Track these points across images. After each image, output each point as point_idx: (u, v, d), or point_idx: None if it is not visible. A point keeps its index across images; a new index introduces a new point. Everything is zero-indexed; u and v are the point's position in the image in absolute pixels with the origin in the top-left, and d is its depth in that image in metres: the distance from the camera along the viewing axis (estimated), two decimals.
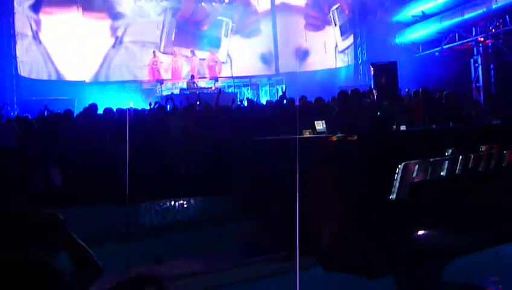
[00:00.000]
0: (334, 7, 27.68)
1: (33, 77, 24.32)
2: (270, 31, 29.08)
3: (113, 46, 27.33)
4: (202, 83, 25.75)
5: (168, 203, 12.11)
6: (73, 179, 12.72)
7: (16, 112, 21.61)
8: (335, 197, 7.80)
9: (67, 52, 25.60)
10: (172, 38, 28.08)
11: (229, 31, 28.34)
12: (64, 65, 25.59)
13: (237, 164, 10.32)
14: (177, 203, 12.11)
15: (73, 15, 26.19)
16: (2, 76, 22.32)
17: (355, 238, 7.52)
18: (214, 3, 28.27)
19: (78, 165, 12.88)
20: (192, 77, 24.89)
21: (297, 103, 14.71)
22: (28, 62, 24.40)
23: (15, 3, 23.43)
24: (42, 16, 25.31)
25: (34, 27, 24.98)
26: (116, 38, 27.42)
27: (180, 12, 28.15)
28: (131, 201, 11.60)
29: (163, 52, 27.78)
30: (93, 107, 14.26)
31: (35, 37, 25.03)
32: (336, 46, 27.97)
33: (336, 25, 27.88)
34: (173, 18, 28.16)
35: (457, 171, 8.25)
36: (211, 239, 10.51)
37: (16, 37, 23.35)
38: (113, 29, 27.42)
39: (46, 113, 14.99)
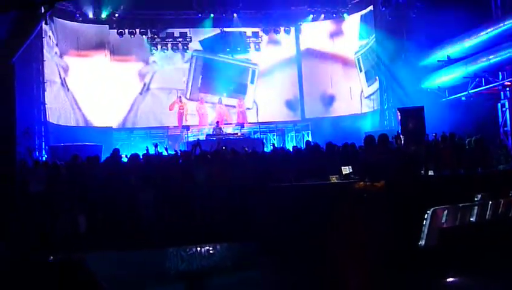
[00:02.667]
0: (359, 53, 27.75)
1: (61, 123, 24.60)
2: (296, 77, 29.21)
3: (140, 93, 27.64)
4: (228, 129, 25.86)
5: (194, 249, 12.05)
6: (99, 224, 12.75)
7: (44, 157, 21.83)
8: (364, 243, 7.70)
9: (95, 99, 25.96)
10: (199, 85, 28.29)
11: (255, 78, 28.51)
12: (91, 112, 25.90)
13: (264, 210, 10.27)
14: (203, 249, 12.04)
15: (101, 61, 26.63)
16: (31, 122, 22.58)
17: (385, 286, 7.40)
18: (238, 49, 28.51)
19: (105, 210, 12.93)
20: (218, 123, 24.99)
21: (323, 149, 14.68)
22: (57, 109, 24.70)
23: (44, 51, 23.83)
24: (70, 63, 25.71)
25: (62, 74, 25.34)
26: (144, 84, 27.76)
27: (206, 60, 28.45)
28: (157, 246, 11.61)
29: (190, 99, 28.01)
30: (115, 152, 14.38)
31: (63, 83, 25.38)
32: (362, 91, 27.95)
33: (361, 70, 27.91)
34: (199, 65, 28.45)
35: (487, 216, 8.12)
36: (236, 285, 10.41)
37: (45, 84, 23.68)
38: (141, 76, 27.77)
39: (73, 159, 15.10)
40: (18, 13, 7.91)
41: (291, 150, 18.17)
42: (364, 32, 27.38)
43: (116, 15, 26.21)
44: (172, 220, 12.41)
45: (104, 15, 26.22)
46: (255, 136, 25.91)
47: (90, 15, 26.11)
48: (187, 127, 26.30)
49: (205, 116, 27.22)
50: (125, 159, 15.38)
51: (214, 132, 24.56)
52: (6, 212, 8.78)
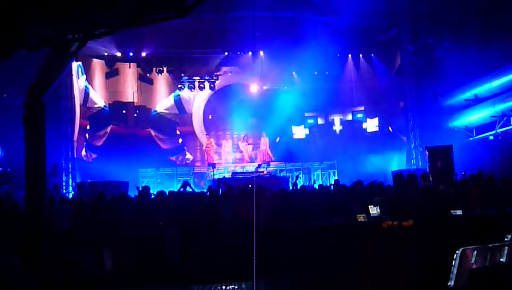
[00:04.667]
0: None
1: (89, 159, 24.89)
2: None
3: None
4: (254, 167, 25.89)
5: (219, 287, 11.96)
6: (125, 261, 12.73)
7: (71, 194, 22.04)
8: (392, 284, 7.60)
9: None
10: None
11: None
12: None
13: (290, 248, 10.20)
14: (229, 287, 11.94)
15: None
16: (59, 158, 22.86)
17: None
18: (264, 87, 28.72)
19: (131, 247, 12.91)
20: (243, 160, 25.08)
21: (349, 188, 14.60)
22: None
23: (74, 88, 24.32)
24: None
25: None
26: None
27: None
28: (183, 285, 11.55)
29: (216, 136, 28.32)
30: (145, 189, 14.42)
31: None
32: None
33: None
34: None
35: None
36: None
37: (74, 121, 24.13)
38: None
39: (99, 197, 15.18)
40: (49, 51, 8.04)
41: (317, 188, 18.11)
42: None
43: (144, 54, 26.58)
44: (198, 258, 12.36)
45: (131, 54, 26.60)
46: (281, 175, 25.86)
47: (118, 54, 26.50)
48: (213, 165, 26.36)
49: (231, 153, 27.47)
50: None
51: (240, 170, 24.68)
52: (35, 249, 8.80)
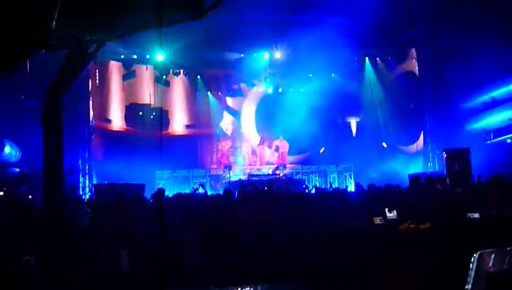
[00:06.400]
0: None
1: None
2: None
3: None
4: (270, 170, 25.89)
5: None
6: (142, 262, 12.76)
7: (87, 195, 22.14)
8: (410, 287, 7.57)
9: None
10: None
11: None
12: None
13: (308, 250, 10.19)
14: None
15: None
16: (76, 160, 23.01)
17: None
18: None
19: (147, 248, 12.93)
20: (260, 162, 25.11)
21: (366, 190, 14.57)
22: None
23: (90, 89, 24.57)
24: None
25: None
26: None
27: None
28: (200, 287, 11.56)
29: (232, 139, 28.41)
30: (161, 192, 14.44)
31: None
32: None
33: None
34: None
35: None
36: None
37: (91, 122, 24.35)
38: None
39: (119, 198, 15.22)
40: (67, 52, 8.08)
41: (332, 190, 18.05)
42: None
43: (160, 56, 26.64)
44: (216, 260, 12.35)
45: (148, 56, 26.69)
46: (297, 177, 25.82)
47: (135, 56, 26.60)
48: (229, 167, 26.38)
49: (248, 155, 27.56)
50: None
51: (256, 172, 24.70)
52: (51, 250, 8.86)
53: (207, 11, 7.01)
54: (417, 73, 26.74)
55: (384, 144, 27.36)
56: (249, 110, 29.15)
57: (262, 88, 28.87)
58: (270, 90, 28.64)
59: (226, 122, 29.18)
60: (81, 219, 13.24)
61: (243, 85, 29.17)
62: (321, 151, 27.63)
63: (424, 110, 26.06)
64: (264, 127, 28.51)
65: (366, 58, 28.25)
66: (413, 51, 26.85)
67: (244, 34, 25.36)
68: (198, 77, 28.31)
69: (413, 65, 27.05)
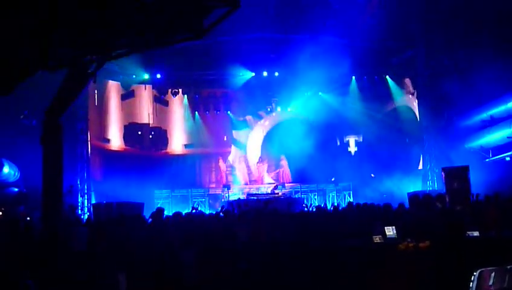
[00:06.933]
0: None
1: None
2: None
3: None
4: (269, 189, 25.89)
5: None
6: (139, 283, 12.69)
7: (86, 215, 22.09)
8: None
9: None
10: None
11: None
12: None
13: (307, 270, 10.16)
14: None
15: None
16: (74, 179, 22.99)
17: None
18: (279, 109, 28.86)
19: (146, 269, 12.87)
20: (258, 182, 25.13)
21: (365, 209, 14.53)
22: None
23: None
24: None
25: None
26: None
27: None
28: None
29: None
30: (160, 211, 14.40)
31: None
32: None
33: None
34: None
35: None
36: None
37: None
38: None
39: (119, 218, 15.18)
40: (67, 72, 8.12)
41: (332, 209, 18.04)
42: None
43: (159, 75, 26.71)
44: (215, 280, 12.29)
45: (147, 76, 26.76)
46: (296, 196, 25.80)
47: (134, 76, 26.68)
48: (228, 187, 26.37)
49: (246, 175, 27.56)
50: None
51: (255, 192, 24.70)
52: (50, 270, 8.83)
53: (206, 31, 7.06)
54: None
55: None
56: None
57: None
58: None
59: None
60: (78, 240, 13.16)
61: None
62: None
63: (421, 129, 26.03)
64: (264, 146, 28.58)
65: (364, 78, 28.27)
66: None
67: (243, 53, 25.44)
68: (197, 96, 28.38)
69: (411, 84, 27.11)
